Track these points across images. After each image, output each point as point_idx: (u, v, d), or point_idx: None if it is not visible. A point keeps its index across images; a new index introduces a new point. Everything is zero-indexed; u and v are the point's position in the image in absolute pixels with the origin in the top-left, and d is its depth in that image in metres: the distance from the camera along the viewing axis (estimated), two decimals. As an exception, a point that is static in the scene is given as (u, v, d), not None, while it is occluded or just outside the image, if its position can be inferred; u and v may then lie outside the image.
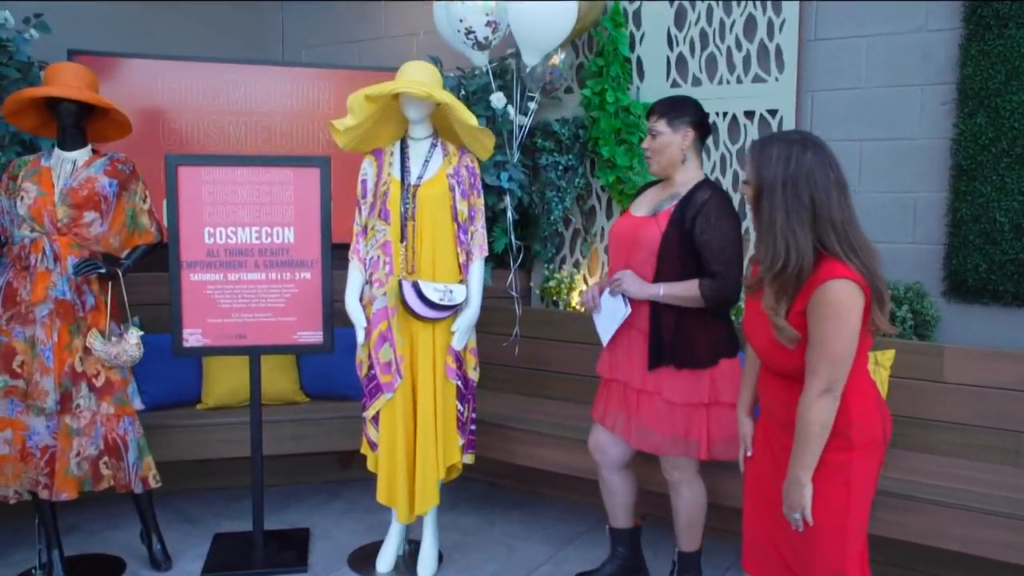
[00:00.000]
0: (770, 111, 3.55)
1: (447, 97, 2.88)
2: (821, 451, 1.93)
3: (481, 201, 3.13)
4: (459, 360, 3.10)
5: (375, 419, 3.07)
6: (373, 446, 3.10)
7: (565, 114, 3.99)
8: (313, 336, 3.31)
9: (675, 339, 2.63)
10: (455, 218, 3.06)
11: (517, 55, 3.86)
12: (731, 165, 3.68)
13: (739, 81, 3.61)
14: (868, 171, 3.43)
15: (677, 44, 3.75)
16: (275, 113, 4.15)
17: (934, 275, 3.32)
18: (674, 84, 3.78)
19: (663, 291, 2.60)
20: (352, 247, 3.14)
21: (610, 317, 2.71)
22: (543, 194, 3.92)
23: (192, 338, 3.23)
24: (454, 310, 3.02)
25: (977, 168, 3.14)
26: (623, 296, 2.67)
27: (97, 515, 3.66)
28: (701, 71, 3.71)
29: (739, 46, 3.61)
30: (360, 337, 3.06)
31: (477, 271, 3.12)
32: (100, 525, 3.57)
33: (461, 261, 3.08)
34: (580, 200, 4.02)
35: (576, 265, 4.11)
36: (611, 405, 2.83)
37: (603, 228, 4.02)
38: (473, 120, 2.94)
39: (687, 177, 2.68)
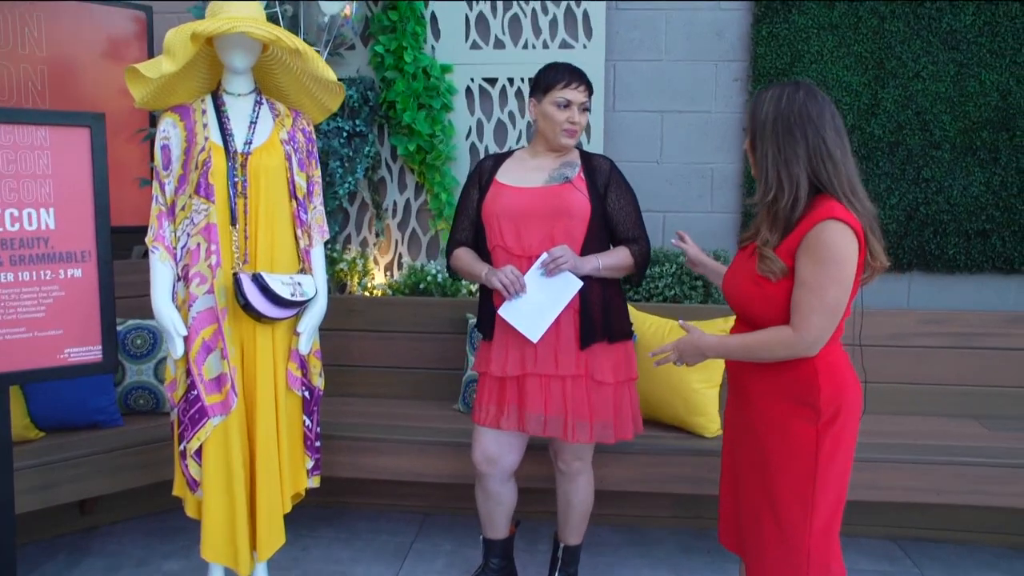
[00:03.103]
0: (577, 80, 3.46)
1: (299, 43, 2.32)
2: (740, 354, 1.97)
3: (319, 173, 2.60)
4: (304, 366, 2.57)
5: (197, 452, 2.41)
6: (194, 486, 2.44)
7: (349, 73, 3.49)
8: (88, 353, 2.50)
9: (604, 312, 2.45)
10: (293, 194, 2.51)
11: (294, 3, 3.28)
12: (537, 134, 3.54)
13: (545, 46, 3.47)
14: (669, 143, 3.54)
15: (477, 2, 3.48)
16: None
17: (731, 241, 3.56)
18: (474, 45, 3.50)
19: (601, 263, 2.40)
20: (153, 233, 2.42)
21: (550, 301, 2.36)
22: (326, 164, 3.40)
23: (-102, 372, 2.23)
24: (302, 307, 2.48)
25: (769, 141, 3.42)
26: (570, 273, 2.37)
27: None
28: (504, 33, 3.49)
29: (545, 9, 3.46)
30: (178, 350, 2.37)
31: (320, 257, 2.60)
32: None
33: (303, 246, 2.54)
34: (368, 171, 3.58)
35: (364, 245, 3.66)
36: (530, 406, 2.44)
37: (395, 202, 3.63)
38: (331, 74, 2.41)
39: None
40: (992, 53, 3.33)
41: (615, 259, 2.45)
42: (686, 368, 3.03)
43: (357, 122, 3.40)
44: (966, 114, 3.36)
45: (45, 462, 2.75)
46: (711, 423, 3.00)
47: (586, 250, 2.42)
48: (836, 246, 1.81)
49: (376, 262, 3.66)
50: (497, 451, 2.56)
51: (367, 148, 3.45)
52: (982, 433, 3.08)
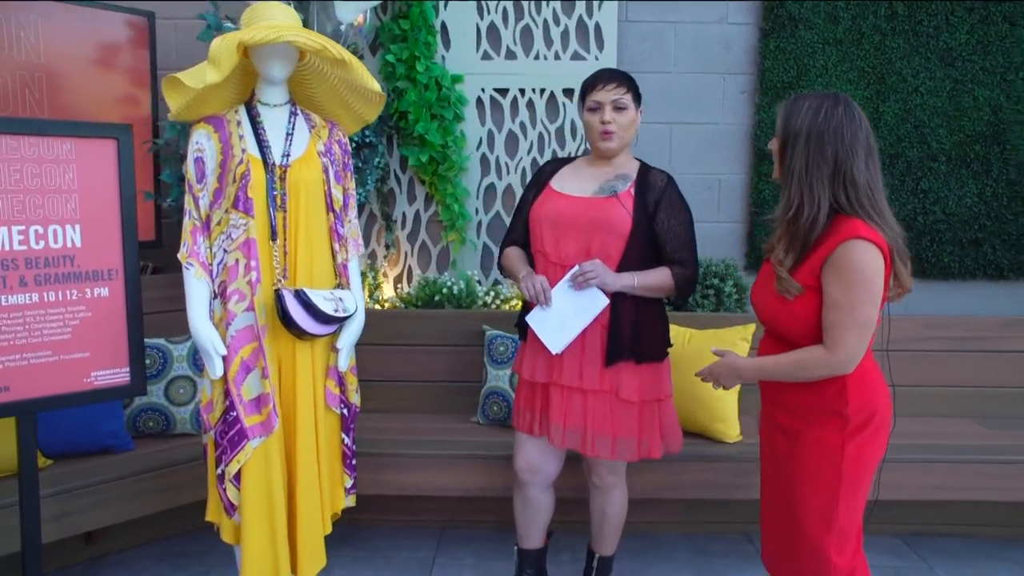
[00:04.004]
0: (588, 91, 3.48)
1: (345, 53, 2.26)
2: (777, 375, 1.97)
3: (354, 185, 2.54)
4: (342, 383, 2.50)
5: (236, 475, 2.32)
6: (231, 510, 2.35)
7: (356, 82, 3.42)
8: (115, 376, 2.39)
9: (634, 332, 2.42)
10: (331, 207, 2.44)
11: (304, 8, 3.20)
12: (549, 144, 3.53)
13: (557, 57, 3.47)
14: (677, 154, 3.58)
15: (488, 12, 3.45)
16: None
17: (737, 251, 3.62)
18: (485, 56, 3.48)
19: (637, 281, 2.35)
20: (187, 249, 2.32)
21: (575, 315, 2.34)
22: (333, 175, 3.32)
23: (-84, 401, 2.10)
24: (343, 323, 2.42)
25: (776, 153, 3.50)
26: (598, 288, 2.34)
27: None
28: (516, 43, 3.47)
29: (557, 20, 3.45)
30: (217, 370, 2.28)
31: (357, 272, 2.54)
32: None
33: (340, 260, 2.48)
34: (378, 183, 3.51)
35: (372, 257, 3.59)
36: (553, 416, 2.46)
37: (404, 214, 3.57)
38: (375, 84, 2.35)
39: (628, 158, 2.50)
40: (984, 71, 3.47)
41: (653, 279, 2.40)
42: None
43: (366, 132, 3.33)
44: (961, 128, 3.49)
45: (59, 491, 2.61)
46: (731, 429, 3.04)
47: (623, 267, 2.39)
48: (863, 264, 1.81)
49: (385, 275, 3.59)
50: (540, 460, 2.55)
51: (377, 159, 3.38)
52: (982, 432, 3.20)
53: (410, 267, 3.61)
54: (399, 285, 3.61)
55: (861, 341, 1.84)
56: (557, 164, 2.58)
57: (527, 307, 2.51)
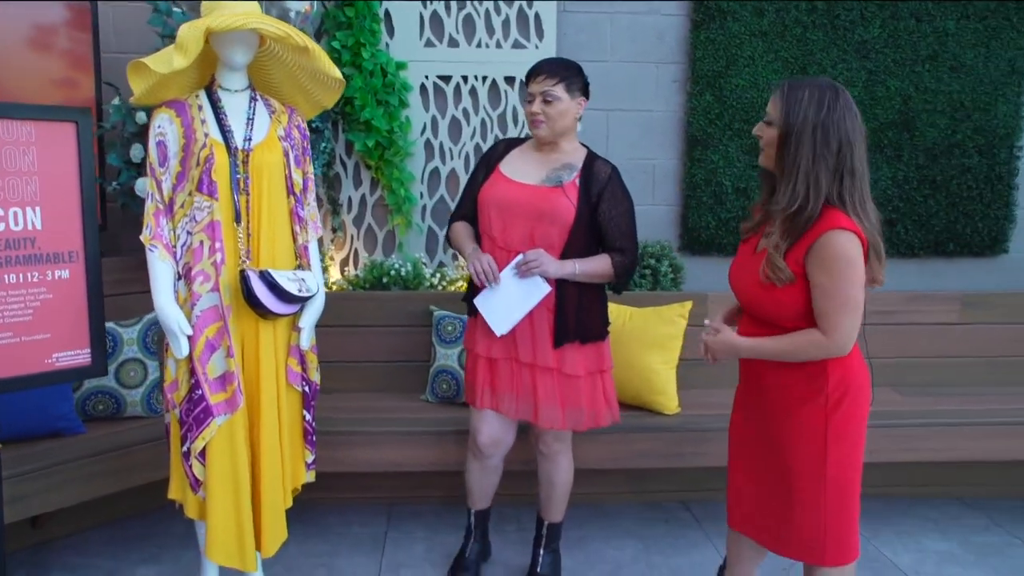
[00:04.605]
0: (530, 78, 3.59)
1: (308, 41, 2.32)
2: (773, 355, 2.02)
3: (312, 169, 2.60)
4: (303, 362, 2.57)
5: (201, 452, 2.38)
6: (196, 486, 2.40)
7: (302, 68, 3.46)
8: (76, 357, 2.41)
9: (579, 315, 2.57)
10: (291, 190, 2.50)
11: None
12: (492, 130, 3.64)
13: (499, 46, 3.57)
14: (615, 140, 3.73)
15: (431, 1, 3.53)
16: None
17: (671, 232, 3.80)
18: (428, 43, 3.56)
19: (578, 268, 2.50)
20: (151, 231, 2.35)
21: (519, 300, 2.48)
22: (280, 160, 3.36)
23: None
24: (305, 303, 2.49)
25: (707, 139, 3.69)
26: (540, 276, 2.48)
27: None
28: (458, 32, 3.56)
29: (498, 10, 3.56)
30: (183, 349, 2.32)
31: (316, 253, 2.61)
32: None
33: (301, 242, 2.54)
34: (324, 167, 3.55)
35: (319, 241, 3.63)
36: (503, 388, 2.61)
37: (350, 198, 3.63)
38: (336, 71, 2.42)
39: (574, 146, 2.62)
40: (896, 63, 3.73)
41: (594, 266, 2.54)
42: (646, 349, 3.23)
43: (312, 118, 3.38)
44: (875, 116, 3.75)
45: (10, 475, 2.61)
46: (670, 401, 3.22)
47: (566, 255, 2.53)
48: (846, 252, 1.88)
49: (332, 258, 3.64)
50: (501, 432, 2.71)
51: (323, 144, 3.44)
52: (899, 399, 3.46)
53: (356, 250, 3.67)
54: (346, 268, 3.67)
55: (855, 323, 1.94)
56: (508, 145, 2.69)
57: (473, 285, 2.62)
